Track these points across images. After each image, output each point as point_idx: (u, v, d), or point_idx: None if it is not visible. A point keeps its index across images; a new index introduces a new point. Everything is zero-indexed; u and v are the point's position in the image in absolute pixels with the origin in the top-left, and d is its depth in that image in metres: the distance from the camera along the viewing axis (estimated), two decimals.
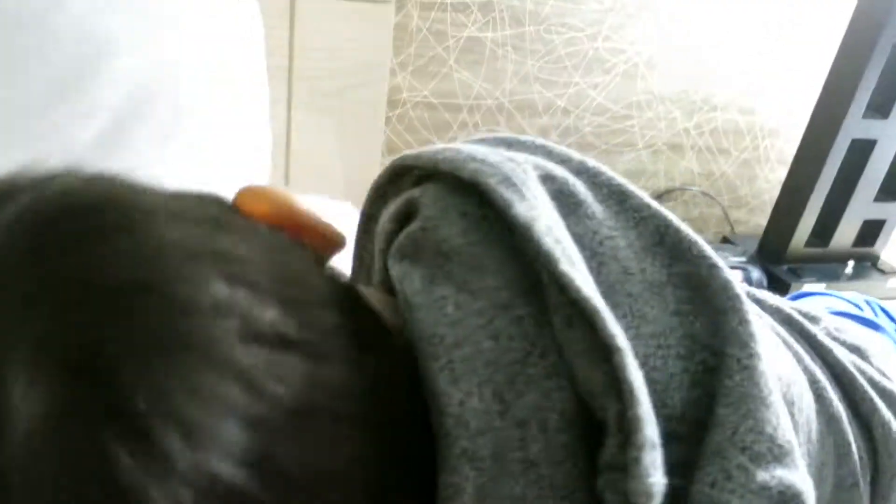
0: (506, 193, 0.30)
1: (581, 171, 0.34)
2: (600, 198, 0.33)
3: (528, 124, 1.30)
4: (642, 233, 0.32)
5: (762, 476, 0.27)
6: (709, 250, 0.31)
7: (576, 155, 0.35)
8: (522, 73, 1.25)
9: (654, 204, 0.33)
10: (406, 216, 0.33)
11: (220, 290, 0.23)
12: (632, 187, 0.33)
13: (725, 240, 1.51)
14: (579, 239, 0.30)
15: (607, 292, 0.29)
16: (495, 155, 0.32)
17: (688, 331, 0.29)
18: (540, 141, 0.36)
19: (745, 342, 0.29)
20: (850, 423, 0.41)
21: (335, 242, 0.30)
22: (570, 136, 1.34)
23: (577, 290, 0.27)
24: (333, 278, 0.29)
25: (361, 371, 0.26)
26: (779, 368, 0.34)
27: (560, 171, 0.33)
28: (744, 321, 0.29)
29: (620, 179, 0.33)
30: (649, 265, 0.31)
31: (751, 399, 0.28)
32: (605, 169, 0.34)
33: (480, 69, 1.22)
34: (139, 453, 0.20)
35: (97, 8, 0.54)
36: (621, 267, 0.30)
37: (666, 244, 0.31)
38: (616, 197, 0.33)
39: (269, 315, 0.24)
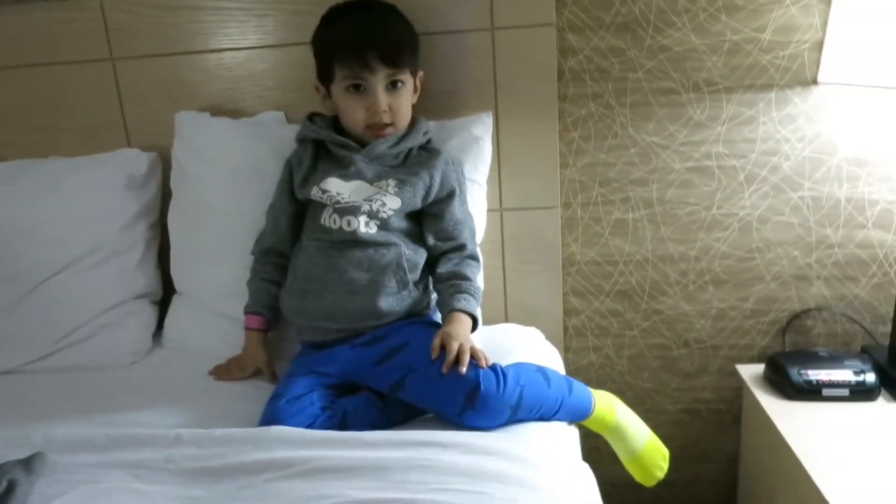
0: None
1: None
2: None
3: (670, 269, 1.87)
4: None
5: None
6: None
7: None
8: (658, 237, 1.85)
9: None
10: None
11: None
12: None
13: (864, 350, 1.82)
14: None
15: None
16: None
17: None
18: None
19: None
20: None
21: None
22: (704, 276, 1.87)
23: None
24: None
25: None
26: None
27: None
28: None
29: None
30: None
31: None
32: None
33: (627, 237, 1.86)
34: None
35: None
36: None
37: None
38: None
39: None
